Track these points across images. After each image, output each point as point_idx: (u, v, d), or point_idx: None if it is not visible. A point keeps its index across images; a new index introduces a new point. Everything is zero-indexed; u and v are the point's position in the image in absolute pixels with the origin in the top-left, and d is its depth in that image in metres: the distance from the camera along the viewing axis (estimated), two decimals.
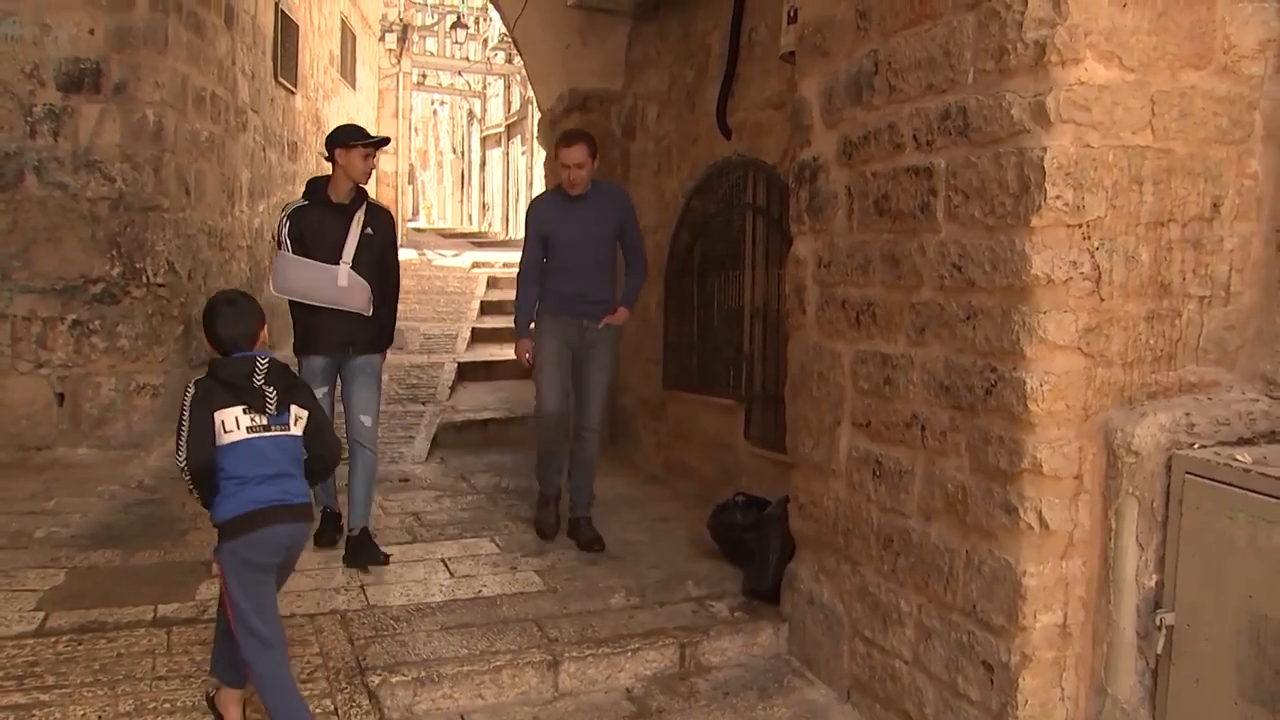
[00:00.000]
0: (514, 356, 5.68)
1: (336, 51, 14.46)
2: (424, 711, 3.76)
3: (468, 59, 25.90)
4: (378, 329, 5.09)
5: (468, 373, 10.31)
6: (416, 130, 34.31)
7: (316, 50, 12.91)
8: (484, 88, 29.07)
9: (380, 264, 5.02)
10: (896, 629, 3.44)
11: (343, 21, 14.93)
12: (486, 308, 13.11)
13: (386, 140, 5.28)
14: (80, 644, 3.91)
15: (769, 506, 4.65)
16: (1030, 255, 2.81)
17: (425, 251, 18.74)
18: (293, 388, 3.25)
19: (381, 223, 5.06)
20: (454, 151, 34.52)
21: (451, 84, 29.74)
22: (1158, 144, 2.88)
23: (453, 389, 9.75)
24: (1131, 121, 2.84)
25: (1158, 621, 2.81)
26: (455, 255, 18.11)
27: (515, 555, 5.27)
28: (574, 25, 7.58)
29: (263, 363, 3.18)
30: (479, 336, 11.78)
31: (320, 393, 4.74)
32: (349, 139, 4.90)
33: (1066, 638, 2.94)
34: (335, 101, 14.36)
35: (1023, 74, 2.85)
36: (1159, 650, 2.83)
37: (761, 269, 5.75)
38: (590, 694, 3.95)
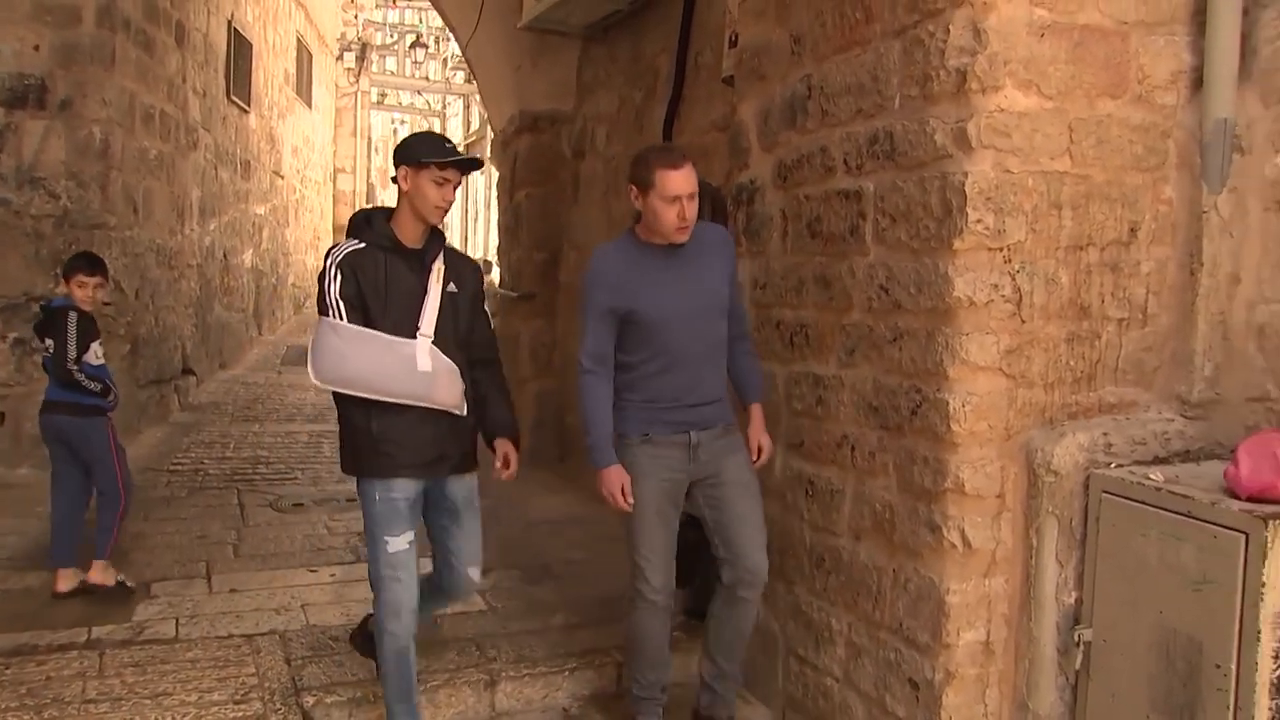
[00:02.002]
0: None
1: (292, 70, 14.43)
2: None
3: (427, 78, 25.91)
4: (475, 432, 3.48)
5: None
6: (377, 149, 34.22)
7: (271, 69, 12.88)
8: (444, 107, 29.03)
9: (468, 335, 3.41)
10: (828, 647, 3.47)
11: (299, 40, 14.90)
12: None
13: (475, 162, 3.41)
14: (8, 668, 3.87)
15: None
16: (953, 278, 2.86)
17: None
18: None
19: (467, 276, 3.44)
20: None
21: (411, 103, 29.71)
22: (1076, 170, 2.95)
23: None
24: (1050, 148, 2.91)
25: (1076, 638, 2.86)
26: None
27: None
28: (525, 47, 7.62)
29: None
30: None
31: (404, 541, 3.28)
32: (418, 154, 3.23)
33: (989, 655, 2.99)
34: (291, 120, 14.33)
35: (946, 100, 2.91)
36: (1077, 666, 2.88)
37: None
38: (527, 713, 3.97)
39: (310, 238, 16.61)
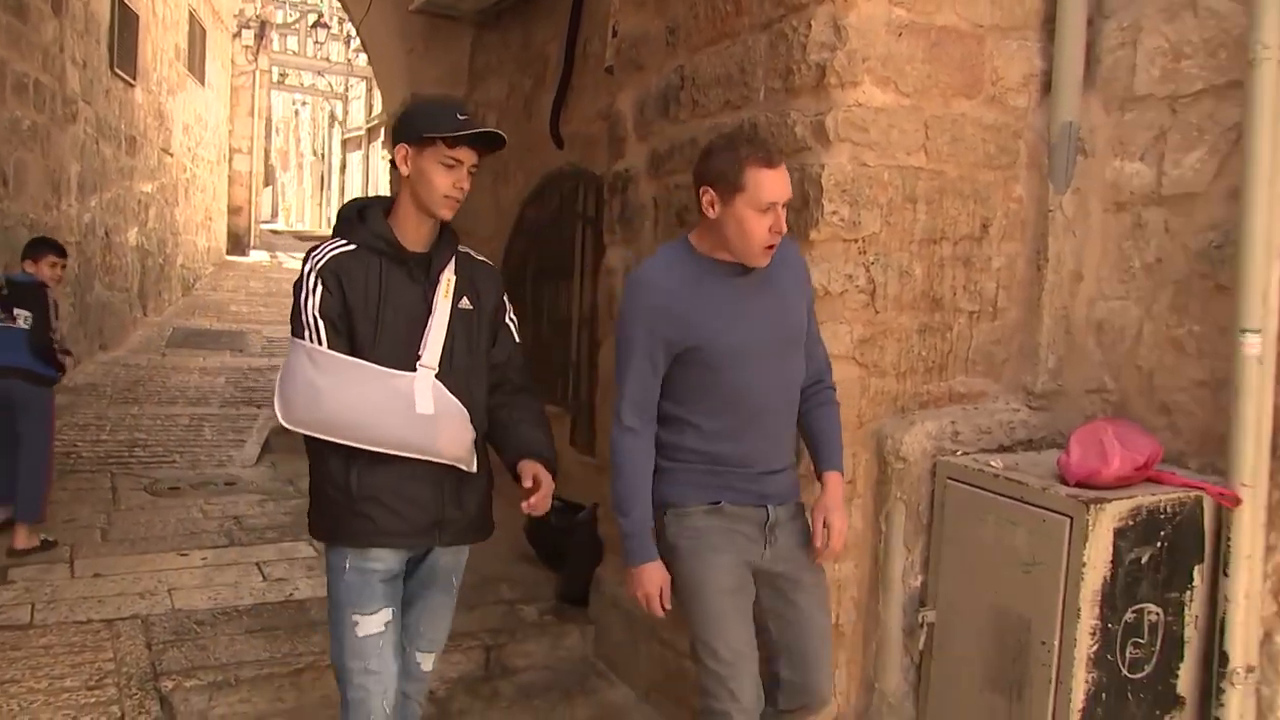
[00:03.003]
0: None
1: (184, 45, 14.04)
2: (220, 716, 3.69)
3: (328, 59, 25.45)
4: (488, 494, 2.75)
5: None
6: (277, 130, 33.57)
7: (160, 42, 12.52)
8: (346, 89, 28.59)
9: (486, 364, 2.66)
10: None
11: (191, 14, 14.51)
12: None
13: (495, 137, 2.50)
14: None
15: (582, 511, 4.71)
16: (810, 268, 2.92)
17: (278, 254, 18.39)
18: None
19: (486, 288, 2.66)
20: (315, 153, 33.84)
21: (313, 84, 29.17)
22: (931, 166, 3.04)
23: None
24: (906, 143, 2.99)
25: (921, 619, 2.96)
26: None
27: None
28: (418, 30, 7.55)
29: None
30: None
31: (379, 621, 2.55)
32: (419, 128, 2.47)
33: (839, 637, 3.06)
34: (182, 97, 13.95)
35: (806, 94, 2.98)
36: (921, 646, 2.98)
37: (590, 279, 5.81)
38: None
39: (202, 218, 16.18)
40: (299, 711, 3.76)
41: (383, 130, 11.71)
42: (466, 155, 2.46)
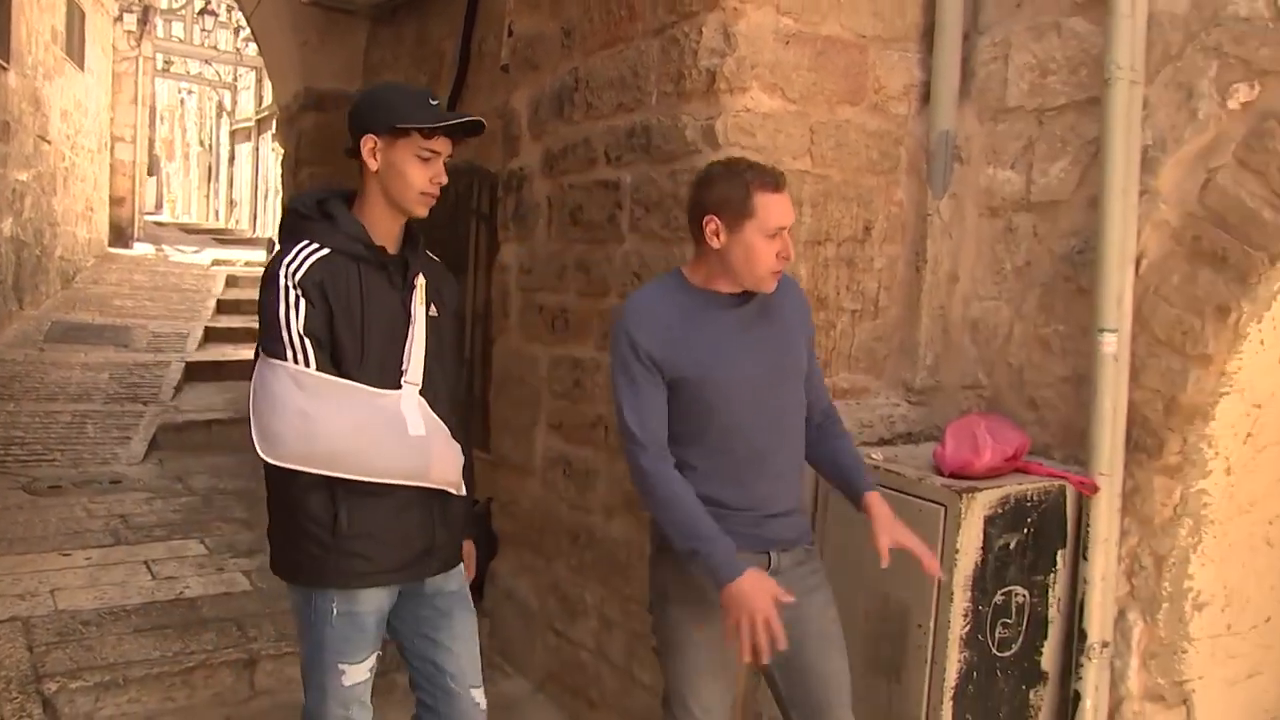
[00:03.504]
0: (251, 357, 2.43)
1: (61, 28, 13.56)
2: (107, 717, 3.67)
3: (216, 48, 24.80)
4: (469, 511, 2.62)
5: (196, 373, 9.98)
6: (162, 119, 32.56)
7: (35, 24, 12.08)
8: (235, 79, 27.90)
9: (455, 372, 2.58)
10: (582, 620, 3.60)
11: None
12: (224, 306, 12.77)
13: (476, 125, 2.38)
14: None
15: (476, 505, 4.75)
16: None
17: (164, 247, 17.90)
18: None
19: (447, 290, 2.53)
20: (202, 144, 32.94)
21: (200, 73, 28.37)
22: (816, 170, 3.16)
23: (179, 389, 9.42)
24: (793, 148, 3.11)
25: None
26: (195, 251, 17.40)
27: (224, 556, 5.18)
28: (312, 22, 7.44)
29: None
30: (213, 336, 11.46)
31: (366, 669, 2.40)
32: (392, 117, 2.25)
33: None
34: (60, 82, 13.47)
35: (697, 98, 3.07)
36: None
37: (484, 275, 5.82)
38: (287, 692, 3.92)
39: (82, 208, 15.64)
40: (190, 710, 3.74)
41: (274, 122, 11.48)
42: (443, 145, 2.30)
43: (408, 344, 2.31)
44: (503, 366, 4.16)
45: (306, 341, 2.16)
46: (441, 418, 2.36)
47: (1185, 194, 2.72)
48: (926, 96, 3.32)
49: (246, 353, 11.40)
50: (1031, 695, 2.87)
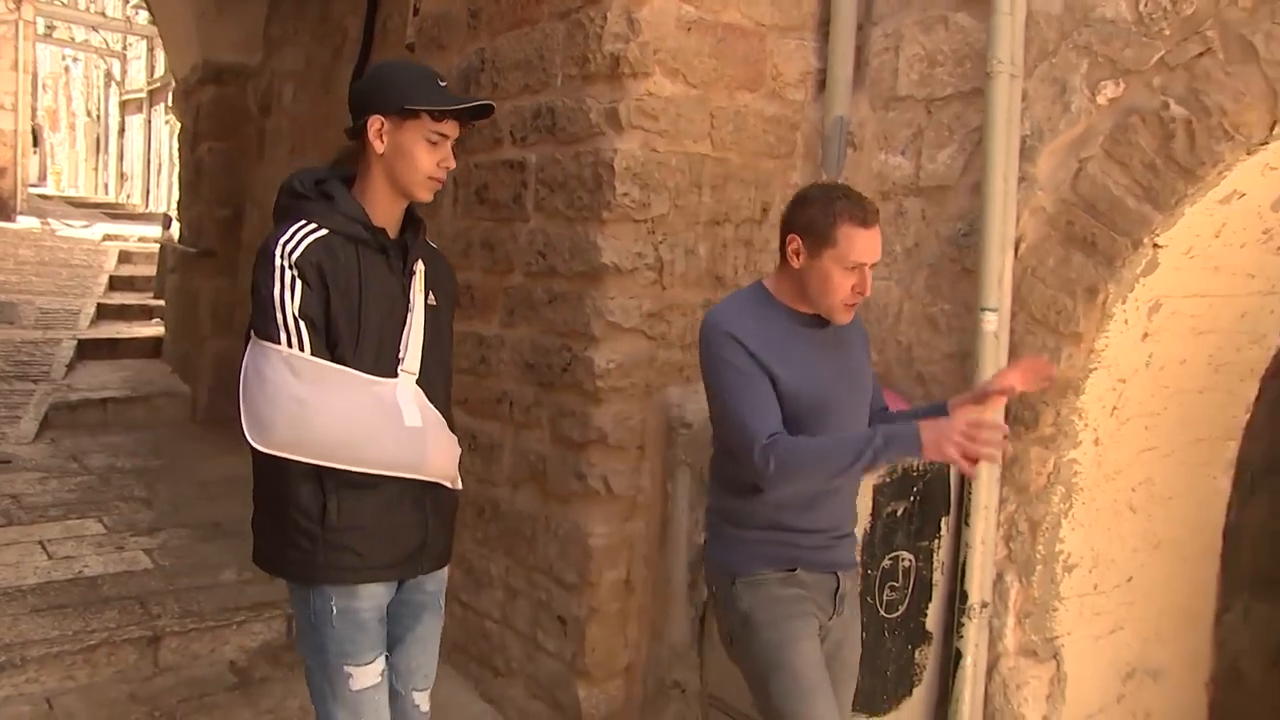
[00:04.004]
0: (148, 334, 2.20)
1: None
2: (4, 698, 3.61)
3: (104, 14, 23.99)
4: (457, 505, 2.51)
5: (90, 350, 9.71)
6: (45, 88, 31.33)
7: None
8: (124, 48, 26.99)
9: (449, 365, 2.48)
10: (488, 591, 3.68)
11: None
12: (117, 283, 12.46)
13: (487, 109, 2.29)
14: None
15: None
16: (601, 246, 3.12)
17: (50, 221, 17.30)
18: None
19: (446, 279, 2.45)
20: (89, 114, 31.81)
21: (87, 40, 27.38)
22: (716, 153, 3.27)
23: (71, 367, 9.15)
24: (693, 131, 3.21)
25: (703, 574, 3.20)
26: (85, 226, 16.86)
27: (124, 534, 5.11)
28: None
29: None
30: (106, 313, 11.16)
31: (376, 672, 2.27)
32: (401, 98, 2.17)
33: (630, 591, 3.29)
34: None
35: (601, 82, 3.15)
36: (703, 599, 3.22)
37: None
38: (192, 668, 3.94)
39: None
40: (92, 689, 3.72)
41: (170, 94, 11.21)
42: (452, 129, 2.21)
43: (405, 331, 2.22)
44: None
45: (302, 324, 2.08)
46: (438, 408, 2.29)
47: (1060, 182, 2.89)
48: (823, 84, 3.44)
49: (142, 330, 11.15)
50: (917, 654, 3.04)
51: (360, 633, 2.22)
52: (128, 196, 26.69)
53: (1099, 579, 3.14)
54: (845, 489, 2.43)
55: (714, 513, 2.47)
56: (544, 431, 3.37)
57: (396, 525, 2.23)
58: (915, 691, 3.05)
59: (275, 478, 2.16)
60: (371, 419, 2.15)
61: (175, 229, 9.83)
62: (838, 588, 2.42)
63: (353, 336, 2.13)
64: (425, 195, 2.23)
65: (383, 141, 2.17)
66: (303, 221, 2.13)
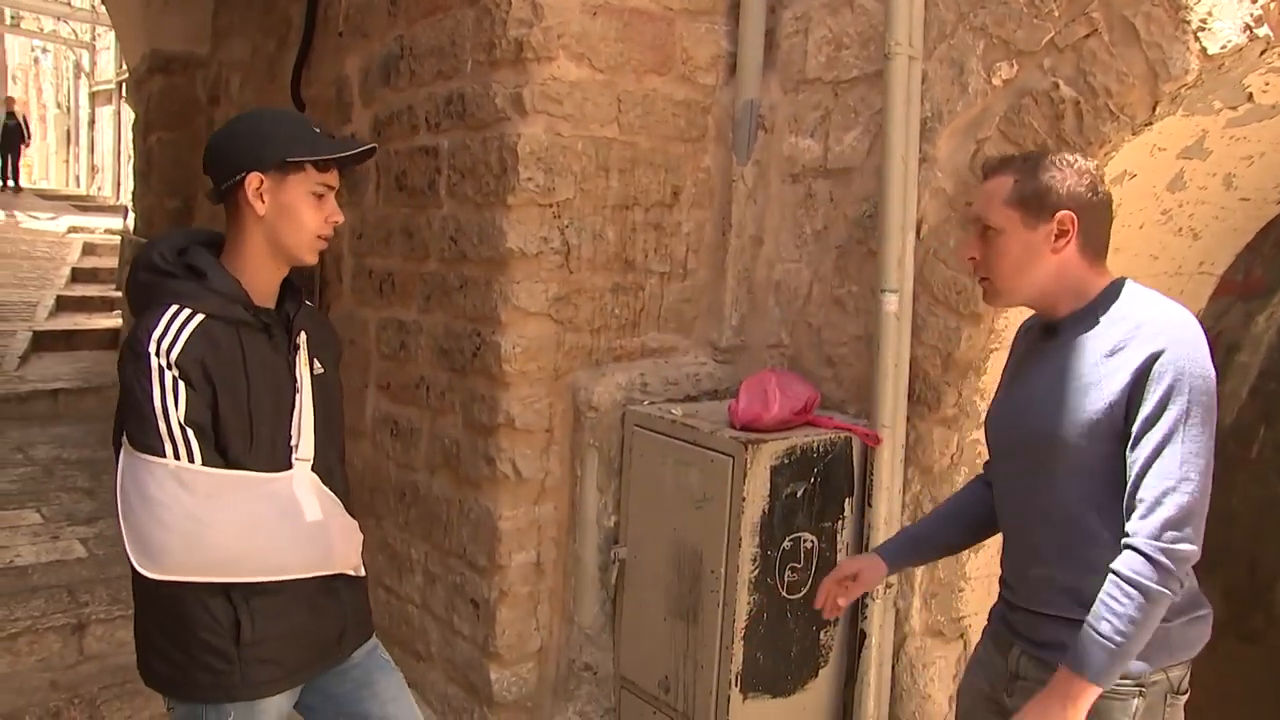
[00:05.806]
0: (106, 325, 2.04)
1: None
2: None
3: (70, 4, 23.78)
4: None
5: (46, 342, 9.70)
6: (14, 79, 31.09)
7: None
8: (94, 39, 26.79)
9: (339, 434, 2.20)
10: (409, 576, 3.69)
11: None
12: (80, 275, 12.41)
13: (369, 153, 2.08)
14: None
15: None
16: (507, 231, 3.12)
17: (16, 213, 17.17)
18: None
19: (328, 340, 2.20)
20: (60, 107, 31.57)
21: (55, 31, 27.16)
22: (623, 137, 3.28)
23: (25, 359, 9.13)
24: (600, 116, 3.22)
25: (614, 556, 3.22)
26: (51, 218, 16.74)
27: (61, 525, 5.11)
28: None
29: None
30: (67, 305, 11.13)
31: None
32: (281, 150, 1.92)
33: (540, 574, 3.30)
34: None
35: (506, 67, 3.15)
36: (615, 581, 3.24)
37: None
38: (119, 655, 3.94)
39: None
40: (13, 676, 3.72)
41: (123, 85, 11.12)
42: (335, 179, 1.99)
43: (295, 414, 1.99)
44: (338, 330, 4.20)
45: (189, 432, 1.81)
46: (334, 490, 2.08)
47: (958, 163, 2.91)
48: (734, 67, 3.45)
49: (102, 321, 11.06)
50: (822, 635, 3.06)
51: None
52: (99, 189, 26.53)
53: None
54: (1022, 517, 2.05)
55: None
56: (457, 416, 3.37)
57: (315, 622, 2.03)
58: (821, 673, 3.08)
59: (171, 602, 1.90)
60: (272, 522, 1.94)
61: (131, 220, 9.79)
62: (1006, 669, 2.07)
63: (245, 435, 1.89)
64: (311, 257, 1.99)
65: (263, 202, 1.91)
66: (175, 307, 1.86)
